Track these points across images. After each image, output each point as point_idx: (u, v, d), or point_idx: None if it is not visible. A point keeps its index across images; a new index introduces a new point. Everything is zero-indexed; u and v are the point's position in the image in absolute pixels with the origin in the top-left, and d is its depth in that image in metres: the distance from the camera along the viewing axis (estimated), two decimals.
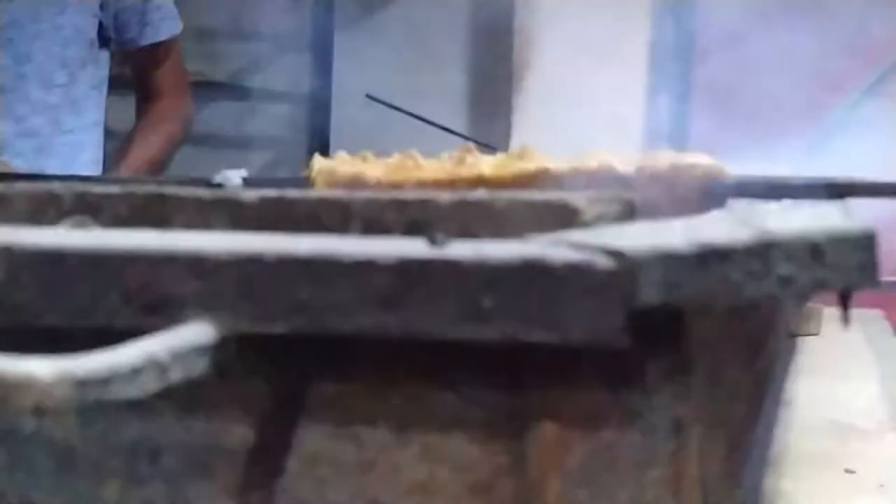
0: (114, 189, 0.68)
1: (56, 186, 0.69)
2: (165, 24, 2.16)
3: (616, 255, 0.46)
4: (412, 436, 0.53)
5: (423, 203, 0.61)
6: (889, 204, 1.04)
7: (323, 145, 3.07)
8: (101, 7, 2.08)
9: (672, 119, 2.91)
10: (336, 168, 1.08)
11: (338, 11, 3.16)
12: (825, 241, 0.50)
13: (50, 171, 1.96)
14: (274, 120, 3.26)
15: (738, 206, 0.96)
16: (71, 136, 2.06)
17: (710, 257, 0.47)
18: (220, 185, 0.72)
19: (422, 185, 1.04)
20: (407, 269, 0.48)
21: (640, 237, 0.49)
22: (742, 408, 0.64)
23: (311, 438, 0.54)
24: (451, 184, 1.04)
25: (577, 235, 0.51)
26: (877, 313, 1.84)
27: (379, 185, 1.05)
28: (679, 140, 2.83)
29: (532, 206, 0.60)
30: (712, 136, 2.56)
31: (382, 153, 1.12)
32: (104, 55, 2.13)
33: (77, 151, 2.07)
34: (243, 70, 3.26)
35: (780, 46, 2.69)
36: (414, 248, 0.50)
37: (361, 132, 2.93)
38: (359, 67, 3.05)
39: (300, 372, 0.54)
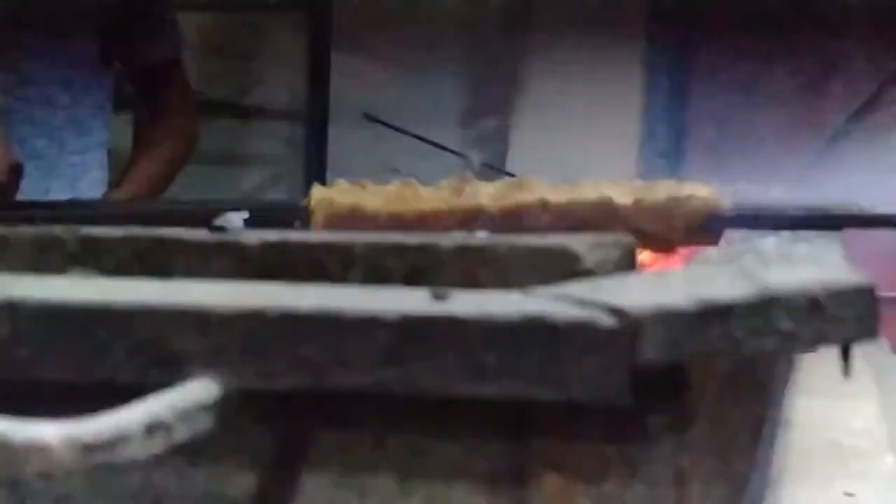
0: (116, 233, 0.68)
1: (58, 230, 0.69)
2: (169, 44, 2.15)
3: (618, 313, 0.46)
4: (415, 486, 0.53)
5: (425, 248, 0.62)
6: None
7: (320, 164, 3.07)
8: (105, 28, 2.08)
9: (668, 133, 2.92)
10: (335, 198, 1.08)
11: (335, 30, 3.15)
12: (825, 295, 0.50)
13: (55, 192, 1.96)
14: (271, 138, 3.26)
15: (736, 237, 0.97)
16: (75, 158, 2.05)
17: (712, 314, 0.48)
18: (221, 228, 0.72)
19: (421, 216, 1.04)
20: (409, 326, 0.48)
21: (641, 292, 0.49)
22: (743, 451, 0.64)
23: (314, 488, 0.54)
24: (451, 215, 1.04)
25: (578, 289, 0.51)
26: None
27: (378, 216, 1.05)
28: (674, 155, 2.83)
29: (533, 252, 0.60)
30: (707, 154, 2.57)
31: (380, 172, 1.12)
32: (107, 76, 2.12)
33: (82, 172, 2.07)
34: (240, 88, 3.26)
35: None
36: (416, 303, 0.50)
37: (359, 151, 2.94)
38: (356, 86, 3.05)
39: (303, 422, 0.54)
